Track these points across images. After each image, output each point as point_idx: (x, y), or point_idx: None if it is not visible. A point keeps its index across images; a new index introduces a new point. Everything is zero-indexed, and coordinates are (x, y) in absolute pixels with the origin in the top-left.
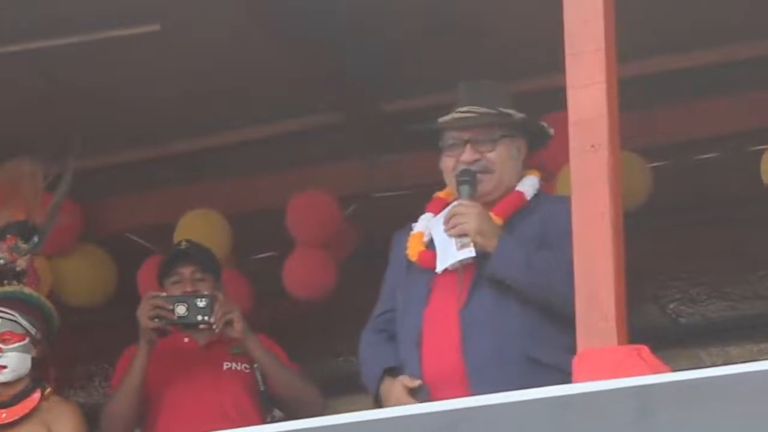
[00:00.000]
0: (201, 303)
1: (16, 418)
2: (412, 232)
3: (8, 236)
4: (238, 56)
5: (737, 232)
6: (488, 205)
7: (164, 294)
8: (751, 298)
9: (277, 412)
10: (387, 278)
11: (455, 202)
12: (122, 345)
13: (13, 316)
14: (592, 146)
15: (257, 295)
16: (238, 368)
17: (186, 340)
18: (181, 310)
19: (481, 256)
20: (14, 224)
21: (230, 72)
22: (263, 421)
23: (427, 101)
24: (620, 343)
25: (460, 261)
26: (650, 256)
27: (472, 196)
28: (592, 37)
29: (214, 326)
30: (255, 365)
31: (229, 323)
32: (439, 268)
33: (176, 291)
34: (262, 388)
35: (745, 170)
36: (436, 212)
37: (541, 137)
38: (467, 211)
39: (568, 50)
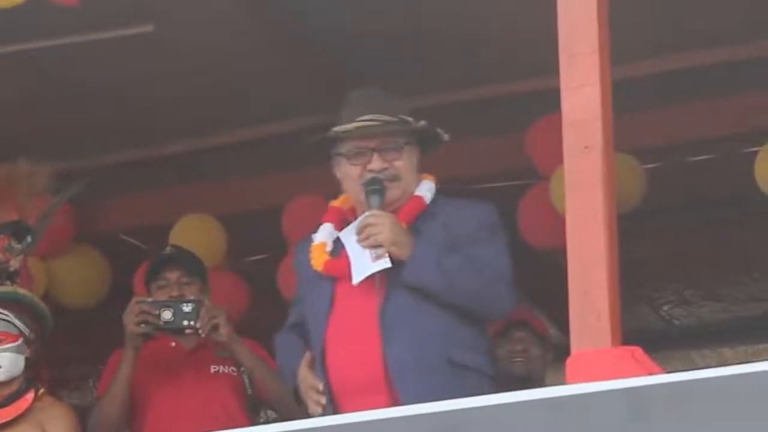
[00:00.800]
0: (187, 308)
1: (10, 419)
2: (313, 243)
3: (1, 236)
4: (238, 56)
5: (731, 234)
6: (393, 212)
7: (150, 299)
8: (745, 300)
9: (271, 412)
10: (298, 289)
11: (366, 213)
12: (116, 346)
13: (7, 316)
14: (586, 148)
15: (253, 296)
16: (226, 371)
17: (173, 344)
18: (167, 315)
19: (397, 265)
20: (7, 224)
21: (230, 72)
22: (251, 424)
23: (427, 102)
24: (614, 344)
25: (377, 272)
26: (644, 258)
27: (381, 205)
28: (586, 39)
29: (200, 331)
30: (242, 369)
31: (215, 328)
32: (356, 280)
33: (162, 295)
34: (249, 392)
35: (738, 172)
36: (334, 222)
37: (432, 144)
38: (380, 222)
39: (562, 52)
